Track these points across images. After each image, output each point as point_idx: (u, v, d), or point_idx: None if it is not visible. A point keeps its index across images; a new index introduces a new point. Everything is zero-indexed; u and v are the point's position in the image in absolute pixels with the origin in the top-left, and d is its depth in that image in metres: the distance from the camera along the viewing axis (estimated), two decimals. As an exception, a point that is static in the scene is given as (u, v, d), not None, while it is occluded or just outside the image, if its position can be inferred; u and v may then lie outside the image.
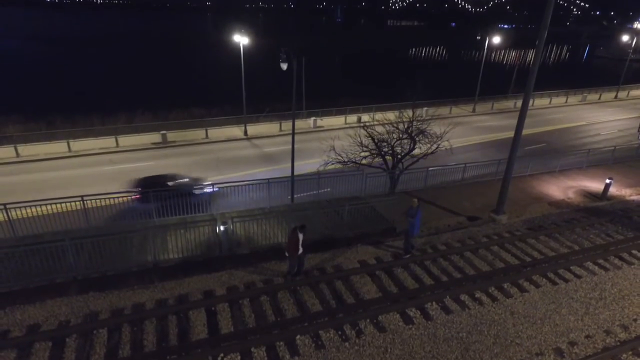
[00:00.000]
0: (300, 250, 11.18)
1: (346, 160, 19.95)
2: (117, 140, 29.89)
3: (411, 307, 10.52)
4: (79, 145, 29.53)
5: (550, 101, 50.59)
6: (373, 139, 20.22)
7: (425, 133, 19.65)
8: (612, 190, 19.11)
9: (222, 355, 8.70)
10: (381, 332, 9.71)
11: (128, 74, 73.80)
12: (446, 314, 10.44)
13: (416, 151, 19.73)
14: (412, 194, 18.20)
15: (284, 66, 19.26)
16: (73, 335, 9.02)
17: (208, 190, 17.47)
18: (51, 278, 10.86)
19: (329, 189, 19.59)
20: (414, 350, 9.26)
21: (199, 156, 29.25)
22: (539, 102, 49.30)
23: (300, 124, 36.65)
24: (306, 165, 27.46)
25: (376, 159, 19.85)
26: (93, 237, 12.66)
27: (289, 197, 18.54)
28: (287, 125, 36.14)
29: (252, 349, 8.93)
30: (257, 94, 46.68)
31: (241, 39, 32.26)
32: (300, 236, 10.92)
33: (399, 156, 19.74)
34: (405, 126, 20.30)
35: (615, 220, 15.83)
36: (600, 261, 13.07)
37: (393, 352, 9.19)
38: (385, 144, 20.10)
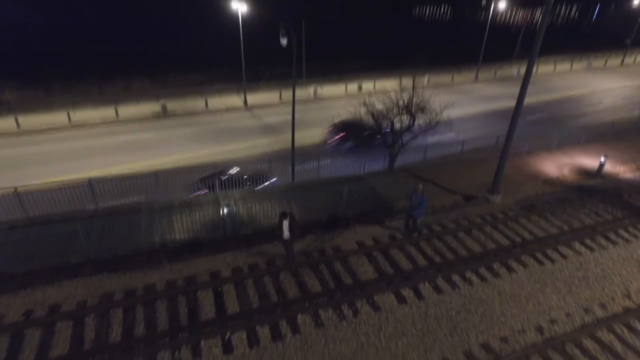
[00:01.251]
0: (287, 236, 11.30)
1: (347, 136, 20.13)
2: (117, 111, 29.84)
3: (405, 287, 11.24)
4: (79, 115, 29.55)
5: (555, 68, 49.76)
6: (373, 115, 20.29)
7: (425, 110, 19.68)
8: (607, 167, 19.47)
9: (229, 333, 9.48)
10: (376, 312, 10.47)
11: (122, 29, 71.89)
12: (437, 294, 11.17)
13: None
14: (410, 171, 18.66)
15: (284, 42, 19.03)
16: (91, 315, 9.78)
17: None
18: (66, 259, 11.53)
19: (328, 161, 19.99)
20: (406, 328, 10.05)
21: (200, 127, 29.34)
22: (542, 68, 48.53)
23: (301, 93, 36.34)
24: (307, 136, 27.73)
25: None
26: (102, 217, 13.33)
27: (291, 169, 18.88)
28: (287, 95, 35.90)
29: (257, 328, 9.70)
30: (256, 55, 45.69)
31: (239, 6, 31.30)
32: (285, 223, 11.08)
33: (398, 132, 19.92)
34: (405, 102, 20.28)
35: (605, 200, 16.33)
36: (587, 241, 13.71)
37: (387, 330, 9.98)
38: (385, 119, 20.20)
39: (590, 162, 20.26)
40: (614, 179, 18.47)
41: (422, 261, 12.42)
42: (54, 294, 10.45)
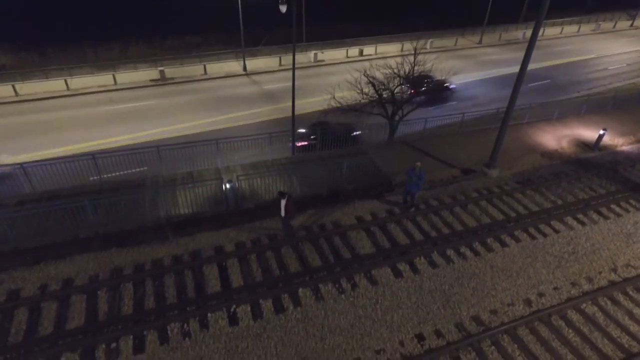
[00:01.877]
0: (283, 213, 11.67)
1: (346, 107, 20.01)
2: (114, 78, 29.42)
3: (401, 262, 11.75)
4: (77, 82, 29.16)
5: (562, 30, 48.34)
6: (374, 85, 20.07)
7: (427, 79, 19.42)
8: (606, 139, 19.59)
9: (234, 306, 10.06)
10: (373, 285, 11.03)
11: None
12: (432, 268, 11.70)
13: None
14: (410, 144, 18.80)
15: (283, 8, 18.59)
16: (103, 289, 10.33)
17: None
18: (75, 233, 11.97)
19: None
20: (402, 301, 10.64)
21: (199, 94, 29.05)
22: (549, 31, 47.20)
23: (301, 57, 35.62)
24: (307, 105, 27.56)
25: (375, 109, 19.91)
26: (108, 191, 13.66)
27: (290, 141, 18.96)
28: (286, 60, 35.20)
29: (260, 301, 10.28)
30: (254, 17, 44.20)
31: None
32: (282, 202, 11.44)
33: (399, 103, 19.81)
34: (407, 71, 20.00)
35: (601, 174, 16.60)
36: (580, 216, 14.11)
37: (383, 303, 10.57)
38: (385, 89, 20.00)
39: (589, 133, 20.34)
40: (611, 152, 18.64)
41: (418, 236, 12.87)
42: (66, 268, 10.96)
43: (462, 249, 12.41)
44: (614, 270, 12.07)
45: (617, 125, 21.38)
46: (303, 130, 19.40)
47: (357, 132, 19.92)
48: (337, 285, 10.91)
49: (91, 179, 14.62)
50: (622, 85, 34.46)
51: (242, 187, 13.84)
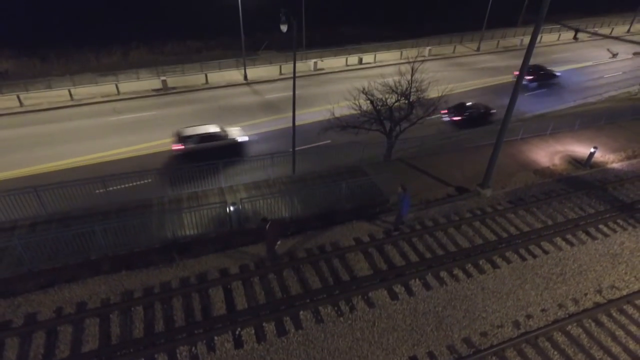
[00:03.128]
0: (268, 239, 12.28)
1: (345, 125, 20.56)
2: (117, 87, 29.88)
3: (397, 284, 12.37)
4: (80, 92, 29.64)
5: (559, 37, 48.81)
6: (372, 103, 20.62)
7: (422, 100, 19.99)
8: (597, 155, 20.23)
9: (239, 329, 10.67)
10: (370, 308, 11.65)
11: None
12: (427, 290, 12.32)
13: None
14: (407, 161, 19.38)
15: (284, 28, 19.07)
16: (115, 312, 10.93)
17: None
18: (86, 256, 12.57)
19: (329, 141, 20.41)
20: (397, 323, 11.26)
21: (201, 104, 29.58)
22: (547, 37, 47.71)
23: (301, 66, 36.10)
24: (307, 115, 28.10)
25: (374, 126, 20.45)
26: (116, 212, 14.24)
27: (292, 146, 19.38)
28: (287, 68, 35.68)
29: (264, 324, 10.89)
30: (254, 21, 44.49)
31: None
32: (267, 227, 12.04)
33: (396, 120, 20.36)
34: (404, 88, 20.53)
35: (590, 193, 17.21)
36: (569, 236, 14.73)
37: (379, 325, 11.20)
38: (383, 106, 20.53)
39: (581, 149, 20.94)
40: (602, 170, 19.22)
41: (414, 257, 13.48)
42: (79, 291, 11.55)
43: (455, 271, 13.03)
44: (599, 292, 12.70)
45: (609, 141, 21.99)
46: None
47: (493, 111, 26.57)
48: (336, 308, 11.52)
49: (97, 191, 15.05)
50: (617, 94, 35.12)
51: (245, 207, 14.44)
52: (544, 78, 34.93)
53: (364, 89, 20.51)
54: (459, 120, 26.49)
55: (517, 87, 14.27)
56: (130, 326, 10.67)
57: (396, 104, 20.37)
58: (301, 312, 11.27)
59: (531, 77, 34.14)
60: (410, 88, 20.27)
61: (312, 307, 11.42)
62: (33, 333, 10.27)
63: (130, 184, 15.47)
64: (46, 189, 13.78)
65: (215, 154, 18.91)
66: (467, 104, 27.26)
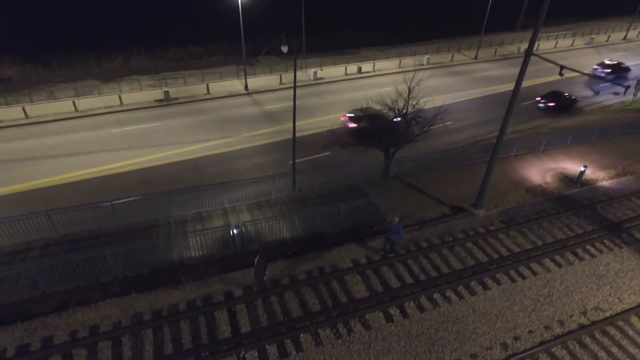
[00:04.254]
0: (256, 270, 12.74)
1: (344, 142, 21.17)
2: (120, 98, 30.41)
3: (392, 306, 13.05)
4: (84, 103, 30.13)
5: (556, 45, 49.40)
6: (370, 120, 21.23)
7: (418, 118, 20.55)
8: (588, 172, 20.89)
9: (243, 352, 11.35)
10: (367, 330, 12.33)
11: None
12: (420, 312, 13.00)
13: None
14: (403, 179, 20.02)
15: (285, 49, 19.63)
16: (126, 335, 11.58)
17: None
18: (97, 278, 13.24)
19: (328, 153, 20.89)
20: (392, 346, 11.95)
21: (203, 115, 30.17)
22: (544, 45, 48.27)
23: (301, 75, 36.66)
24: (307, 126, 28.72)
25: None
26: (125, 233, 14.88)
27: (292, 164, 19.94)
28: (287, 78, 36.24)
29: (266, 347, 11.57)
30: (254, 26, 44.88)
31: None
32: (256, 259, 12.63)
33: (394, 138, 20.95)
34: (401, 106, 21.07)
35: (580, 213, 17.88)
36: (557, 257, 15.42)
37: (375, 347, 11.88)
38: (381, 124, 21.12)
39: (572, 167, 21.60)
40: (592, 188, 19.89)
41: (409, 279, 14.16)
42: (92, 314, 12.20)
43: (448, 293, 13.72)
44: (584, 313, 13.39)
45: (600, 157, 22.66)
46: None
47: (578, 100, 32.58)
48: (334, 330, 12.20)
49: (104, 204, 15.57)
50: (612, 104, 35.78)
51: (248, 229, 15.09)
52: (619, 71, 40.31)
53: (362, 107, 21.08)
54: (553, 106, 32.10)
55: (511, 105, 14.73)
56: (140, 349, 11.33)
57: (393, 120, 20.98)
58: (301, 335, 11.94)
59: (609, 70, 39.66)
60: (407, 107, 20.84)
61: (312, 330, 12.09)
62: (50, 357, 10.93)
63: (139, 206, 15.99)
64: (57, 212, 14.39)
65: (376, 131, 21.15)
66: (562, 92, 33.16)
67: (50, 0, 60.43)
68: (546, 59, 17.66)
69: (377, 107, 21.92)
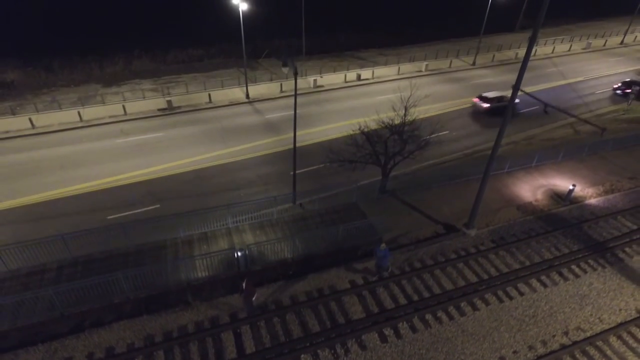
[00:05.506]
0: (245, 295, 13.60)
1: (343, 160, 21.90)
2: (124, 108, 31.04)
3: (387, 327, 13.97)
4: (89, 112, 30.79)
5: (553, 50, 49.92)
6: (368, 138, 21.91)
7: (415, 135, 21.23)
8: (577, 189, 21.75)
9: (248, 373, 12.28)
10: (363, 350, 13.26)
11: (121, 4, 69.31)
12: (413, 333, 13.92)
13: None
14: (399, 197, 20.85)
15: (285, 70, 20.28)
16: (140, 357, 12.50)
17: None
18: (110, 299, 14.12)
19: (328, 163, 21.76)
20: (386, 366, 12.90)
21: (205, 125, 30.89)
22: (541, 50, 48.78)
23: (301, 83, 37.26)
24: (308, 136, 29.48)
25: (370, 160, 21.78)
26: (135, 254, 15.75)
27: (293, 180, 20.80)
28: (287, 86, 36.87)
29: (270, 367, 12.51)
30: (254, 28, 45.32)
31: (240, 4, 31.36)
32: (244, 284, 13.47)
33: (390, 155, 21.70)
34: (397, 125, 21.73)
35: (567, 232, 18.76)
36: (543, 277, 16.33)
37: (370, 367, 12.83)
38: (378, 141, 21.78)
39: (563, 184, 22.43)
40: (580, 206, 20.73)
41: (402, 300, 15.07)
42: (107, 336, 13.11)
43: (439, 313, 14.64)
44: (566, 333, 14.34)
45: (589, 173, 23.49)
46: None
47: None
48: (332, 351, 13.12)
49: (109, 217, 16.42)
50: (606, 112, 36.53)
51: (251, 250, 15.95)
52: None
53: (360, 126, 21.80)
54: (629, 92, 37.25)
55: (506, 120, 15.41)
56: (153, 370, 12.26)
57: (390, 137, 21.70)
58: (302, 356, 12.86)
59: (629, 90, 39.59)
60: (404, 125, 21.55)
61: (311, 351, 13.01)
62: (70, 377, 11.84)
63: (148, 227, 16.82)
64: (72, 237, 15.23)
65: (502, 111, 28.09)
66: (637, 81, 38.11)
67: (51, 4, 60.62)
68: (531, 95, 18.28)
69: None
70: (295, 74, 18.07)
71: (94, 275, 14.57)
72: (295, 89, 17.86)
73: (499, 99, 33.83)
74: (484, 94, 34.73)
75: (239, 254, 15.27)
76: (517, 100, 33.40)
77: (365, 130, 21.81)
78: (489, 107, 33.74)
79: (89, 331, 13.22)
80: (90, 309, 13.87)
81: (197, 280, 15.12)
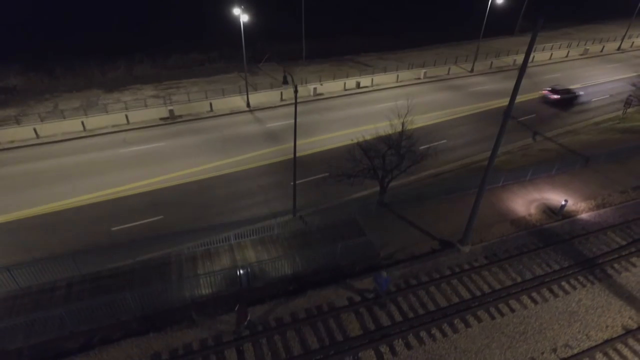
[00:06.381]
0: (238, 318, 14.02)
1: (342, 174, 22.46)
2: (127, 117, 31.54)
3: (383, 344, 14.61)
4: (92, 122, 31.30)
5: (551, 56, 50.38)
6: (366, 153, 22.47)
7: (412, 149, 21.75)
8: (570, 203, 22.36)
9: (251, 390, 12.92)
10: (360, 368, 13.92)
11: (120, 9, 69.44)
12: (408, 350, 14.55)
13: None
14: (396, 212, 21.45)
15: (285, 87, 20.81)
16: (147, 374, 13.14)
17: None
18: (117, 317, 14.75)
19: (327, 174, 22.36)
20: (381, 383, 13.55)
21: (206, 134, 31.43)
22: (539, 56, 49.24)
23: (301, 90, 37.71)
24: (308, 145, 30.05)
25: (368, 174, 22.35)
26: (141, 271, 16.36)
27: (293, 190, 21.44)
28: (287, 94, 37.31)
29: (271, 385, 13.15)
30: (254, 32, 45.69)
31: (241, 15, 31.78)
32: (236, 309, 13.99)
33: (388, 169, 22.27)
34: (394, 140, 22.26)
35: (557, 248, 19.38)
36: (534, 294, 16.96)
37: (367, 384, 13.48)
38: (376, 156, 22.32)
39: (556, 197, 23.04)
40: (571, 221, 21.32)
41: (398, 317, 15.70)
42: (116, 354, 13.72)
43: (433, 330, 15.27)
44: (554, 350, 14.97)
45: (582, 187, 24.09)
46: None
47: None
48: (331, 369, 13.77)
49: (114, 230, 17.11)
50: (602, 120, 37.10)
51: (254, 268, 16.56)
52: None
53: (358, 142, 22.33)
54: (557, 98, 38.42)
55: (501, 133, 15.84)
56: (160, 387, 12.89)
57: (388, 151, 22.26)
58: (302, 373, 13.51)
59: (557, 96, 41.15)
60: (401, 141, 22.09)
61: (311, 368, 13.67)
62: (82, 395, 12.48)
63: (153, 243, 17.45)
64: (83, 260, 15.86)
65: (569, 102, 38.87)
66: None
67: (54, 9, 60.69)
68: (522, 123, 18.82)
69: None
70: (296, 94, 18.61)
71: (102, 293, 15.34)
72: (296, 110, 18.41)
73: (567, 91, 39.13)
74: (554, 87, 39.69)
75: (242, 271, 15.89)
76: (581, 93, 40.38)
77: (363, 144, 22.38)
78: (559, 97, 38.63)
79: (98, 349, 13.83)
80: (99, 327, 14.49)
81: (201, 297, 15.74)
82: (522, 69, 14.06)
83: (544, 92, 39.92)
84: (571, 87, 40.84)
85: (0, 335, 13.47)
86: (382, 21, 68.72)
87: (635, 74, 46.78)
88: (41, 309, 14.70)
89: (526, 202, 22.68)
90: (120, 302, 14.56)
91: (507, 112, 15.14)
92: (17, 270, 15.27)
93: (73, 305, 14.07)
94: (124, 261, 16.83)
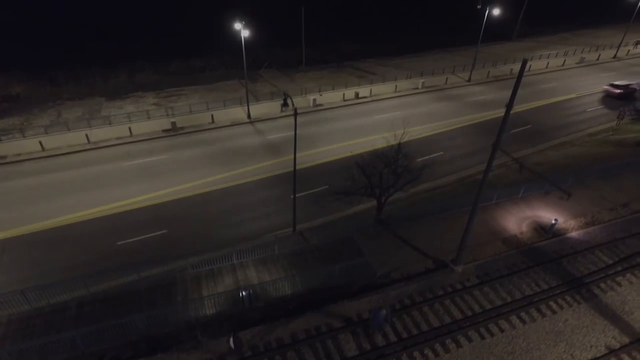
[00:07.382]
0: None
1: (340, 192, 23.23)
2: (130, 130, 32.20)
3: (378, 365, 15.44)
4: (96, 134, 31.95)
5: (547, 65, 51.02)
6: (363, 171, 23.20)
7: (409, 168, 22.48)
8: (560, 221, 23.16)
9: (253, 410, 13.75)
10: (356, 388, 14.75)
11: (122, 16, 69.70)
12: (401, 370, 15.41)
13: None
14: (392, 229, 22.23)
15: (285, 109, 21.55)
16: (156, 395, 13.95)
17: None
18: (126, 337, 15.54)
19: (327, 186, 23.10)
20: (376, 402, 14.38)
21: (208, 146, 32.12)
22: (536, 65, 49.87)
23: (300, 101, 38.34)
24: (308, 158, 30.78)
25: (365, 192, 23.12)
26: (147, 291, 17.14)
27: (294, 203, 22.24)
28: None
29: (272, 405, 13.98)
30: (255, 37, 46.37)
31: (242, 30, 32.37)
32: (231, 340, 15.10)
33: (385, 186, 23.02)
34: (392, 158, 22.99)
35: (547, 267, 20.18)
36: (522, 314, 17.78)
37: (362, 404, 14.31)
38: (373, 174, 23.05)
39: (547, 215, 23.83)
40: (561, 240, 22.13)
41: (393, 337, 16.51)
42: (126, 375, 14.55)
43: (426, 351, 16.09)
44: (540, 370, 15.85)
45: (573, 204, 24.88)
46: None
47: None
48: (328, 389, 14.60)
49: (119, 244, 17.91)
50: (596, 131, 37.86)
51: (256, 288, 17.36)
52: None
53: (356, 161, 23.06)
54: None
55: (494, 152, 16.54)
56: (168, 407, 13.71)
57: (385, 169, 23.00)
58: (301, 393, 14.34)
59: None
60: (398, 159, 22.81)
61: (309, 388, 14.49)
62: (94, 415, 13.28)
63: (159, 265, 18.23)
64: (93, 281, 16.63)
65: (630, 96, 43.72)
66: None
67: (56, 17, 60.92)
68: (510, 156, 19.85)
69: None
70: (295, 118, 19.30)
71: (111, 313, 16.12)
72: (295, 131, 19.14)
73: (627, 86, 43.63)
74: (615, 82, 44.21)
75: (244, 293, 16.68)
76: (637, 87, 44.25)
77: (361, 163, 23.13)
78: (621, 92, 43.23)
79: (110, 370, 14.65)
80: (108, 347, 15.29)
81: (205, 317, 16.54)
82: (509, 105, 14.69)
83: (605, 87, 44.49)
84: (629, 83, 44.38)
85: (17, 358, 14.25)
86: (381, 28, 69.19)
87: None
88: (54, 329, 15.49)
89: (518, 219, 23.48)
90: (129, 324, 15.34)
91: (497, 143, 15.87)
92: (29, 291, 16.04)
93: (85, 327, 14.84)
94: (130, 276, 17.59)
